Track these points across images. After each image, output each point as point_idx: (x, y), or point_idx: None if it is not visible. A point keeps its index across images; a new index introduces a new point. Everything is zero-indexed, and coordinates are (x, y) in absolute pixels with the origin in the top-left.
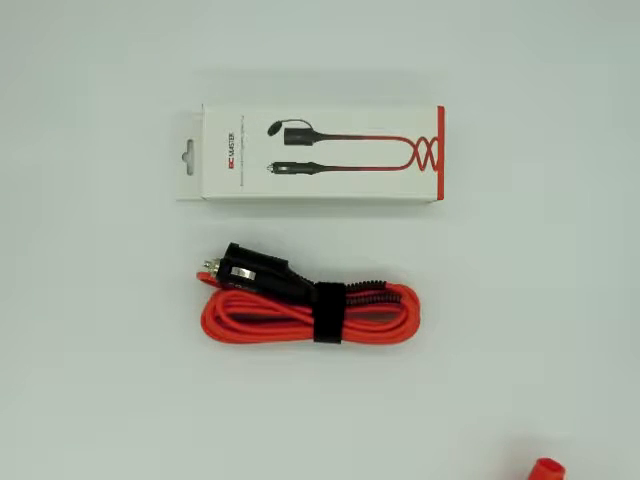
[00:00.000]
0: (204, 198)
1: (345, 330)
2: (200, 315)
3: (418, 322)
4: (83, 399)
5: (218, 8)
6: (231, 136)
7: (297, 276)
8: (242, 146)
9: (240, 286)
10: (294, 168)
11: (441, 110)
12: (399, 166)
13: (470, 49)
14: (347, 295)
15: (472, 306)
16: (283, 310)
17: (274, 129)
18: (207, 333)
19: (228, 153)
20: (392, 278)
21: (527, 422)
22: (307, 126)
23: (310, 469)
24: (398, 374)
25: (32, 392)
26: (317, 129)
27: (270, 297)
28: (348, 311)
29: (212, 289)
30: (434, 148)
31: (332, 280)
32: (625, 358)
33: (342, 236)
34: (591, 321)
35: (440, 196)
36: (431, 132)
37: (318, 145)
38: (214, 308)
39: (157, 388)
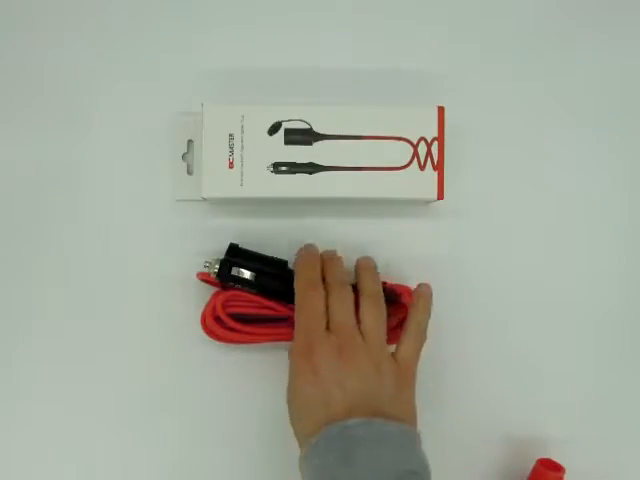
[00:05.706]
0: (204, 198)
1: None
2: (200, 315)
3: None
4: (83, 399)
5: (218, 8)
6: (231, 136)
7: None
8: (242, 146)
9: (240, 286)
10: (294, 168)
11: (441, 110)
12: (399, 166)
13: (470, 49)
14: None
15: (472, 306)
16: (283, 310)
17: (274, 129)
18: (207, 333)
19: (228, 153)
20: (392, 278)
21: (527, 422)
22: (307, 126)
23: None
24: None
25: (32, 391)
26: (317, 129)
27: (270, 297)
28: None
29: (212, 289)
30: (434, 148)
31: None
32: (625, 358)
33: (342, 236)
34: (591, 321)
35: (440, 196)
36: (431, 132)
37: (318, 145)
38: (214, 308)
39: (157, 388)
